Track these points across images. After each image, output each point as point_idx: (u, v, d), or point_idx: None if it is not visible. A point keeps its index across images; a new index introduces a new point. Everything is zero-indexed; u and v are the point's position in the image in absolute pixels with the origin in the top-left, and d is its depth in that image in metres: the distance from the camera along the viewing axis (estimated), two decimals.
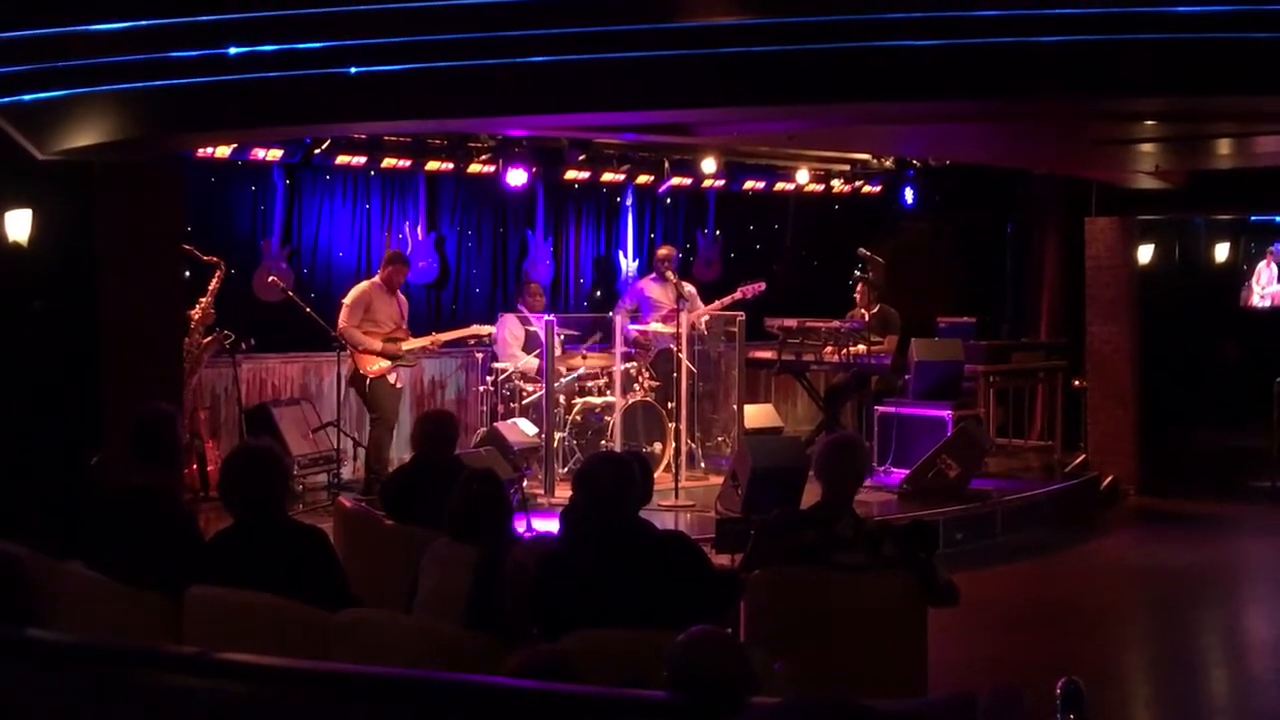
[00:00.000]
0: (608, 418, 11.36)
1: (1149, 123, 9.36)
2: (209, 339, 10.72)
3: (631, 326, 12.14)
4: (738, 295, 12.39)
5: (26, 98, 8.10)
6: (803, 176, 14.14)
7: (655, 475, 8.41)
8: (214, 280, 10.74)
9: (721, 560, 6.66)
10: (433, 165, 12.27)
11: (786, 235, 15.40)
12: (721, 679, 3.32)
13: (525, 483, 10.15)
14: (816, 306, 13.10)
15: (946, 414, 11.48)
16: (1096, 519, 12.14)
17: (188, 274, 10.26)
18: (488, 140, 12.04)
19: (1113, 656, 8.35)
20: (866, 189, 14.79)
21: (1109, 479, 12.86)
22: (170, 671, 3.46)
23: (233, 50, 7.18)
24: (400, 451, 11.48)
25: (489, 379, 11.79)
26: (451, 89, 7.43)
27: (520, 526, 8.25)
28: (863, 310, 12.56)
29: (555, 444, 11.00)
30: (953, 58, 6.66)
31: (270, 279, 11.35)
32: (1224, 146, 10.83)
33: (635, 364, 11.80)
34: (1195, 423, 15.53)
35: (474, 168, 12.35)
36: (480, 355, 12.19)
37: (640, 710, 3.26)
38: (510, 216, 13.44)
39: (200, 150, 10.55)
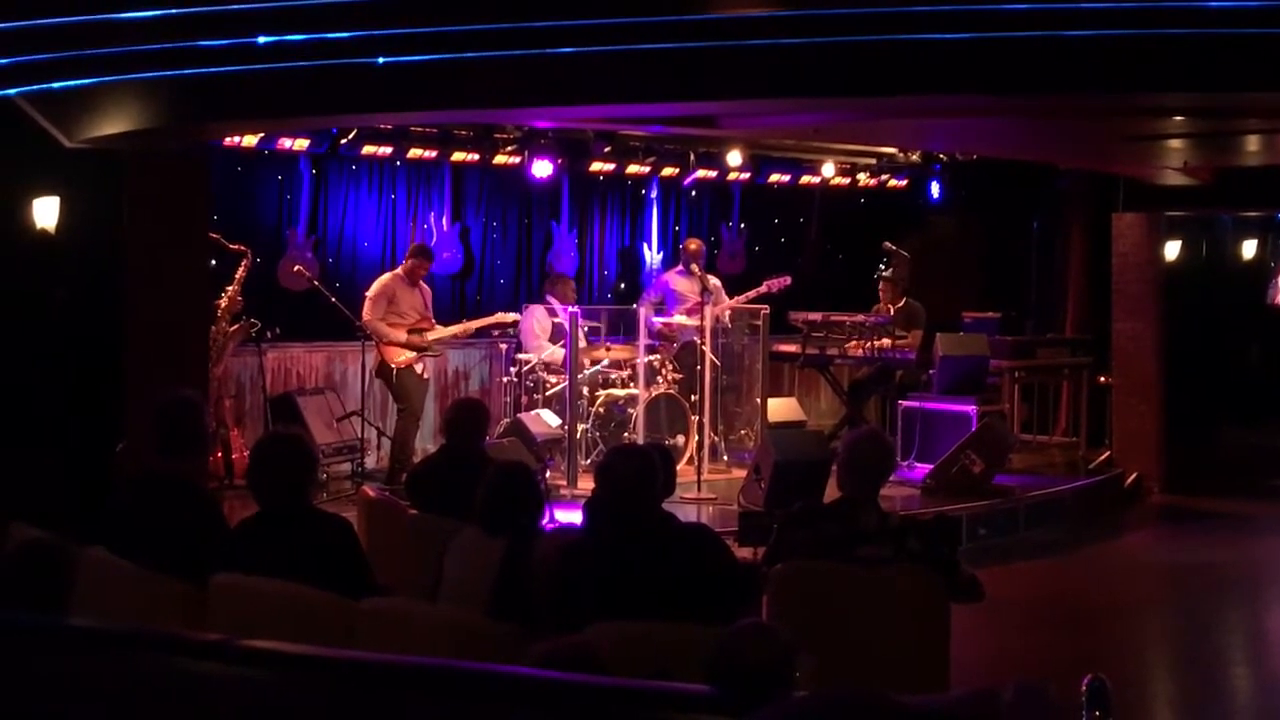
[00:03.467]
0: (631, 410, 11.35)
1: (1178, 119, 9.31)
2: (235, 327, 10.77)
3: (656, 319, 12.13)
4: (763, 289, 12.37)
5: (55, 85, 8.13)
6: (828, 170, 14.10)
7: (678, 468, 8.42)
8: (240, 269, 10.78)
9: (744, 553, 6.66)
10: (458, 156, 12.28)
11: (811, 229, 15.37)
12: (765, 673, 3.31)
13: (548, 474, 10.15)
14: (841, 300, 13.07)
15: (971, 409, 11.46)
16: (1120, 516, 12.10)
17: (214, 262, 10.29)
18: (513, 131, 12.04)
19: (1136, 654, 8.33)
20: (892, 183, 14.75)
21: (1133, 476, 12.81)
22: (194, 658, 3.47)
23: (261, 39, 7.19)
24: (425, 442, 11.52)
25: (513, 370, 11.80)
26: (478, 80, 7.44)
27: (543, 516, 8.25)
28: (887, 305, 12.53)
29: (578, 435, 11.00)
30: (982, 52, 6.63)
31: (295, 268, 11.39)
32: (1252, 143, 10.78)
33: (659, 356, 11.80)
34: (1220, 421, 15.46)
35: (499, 159, 12.36)
36: (504, 346, 12.21)
37: (678, 703, 3.24)
38: (535, 208, 13.45)
39: (227, 139, 10.58)
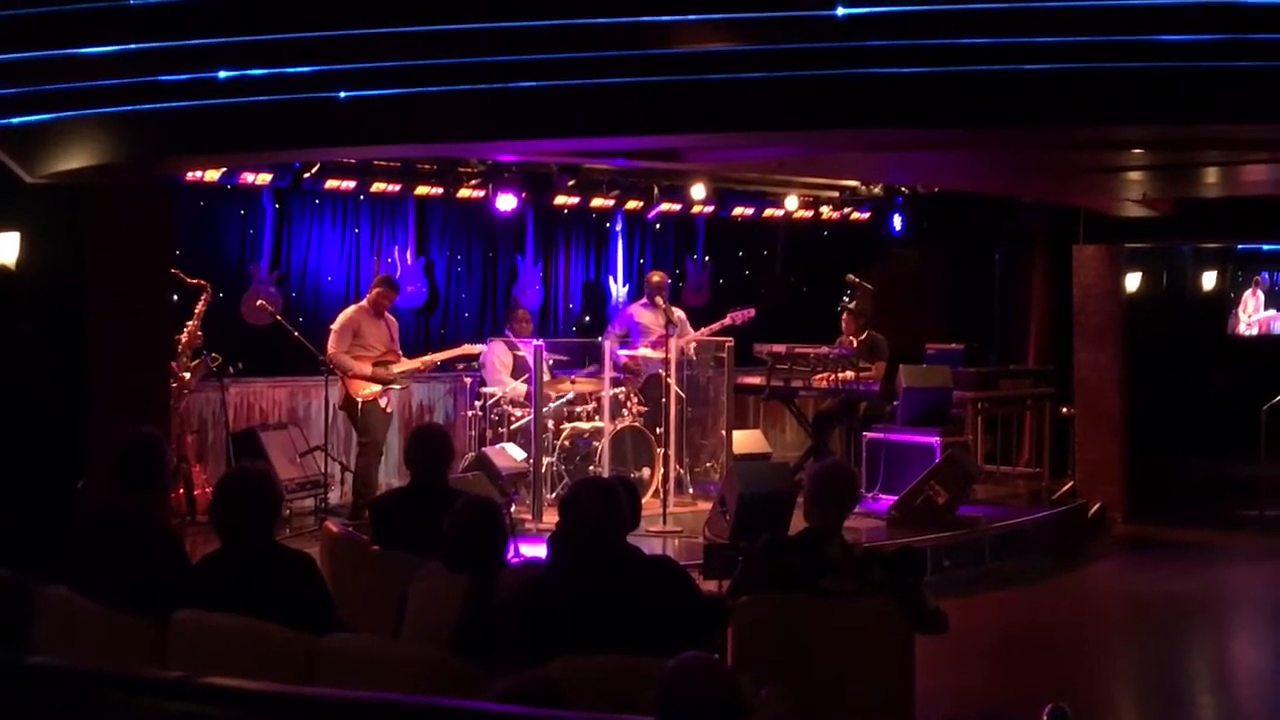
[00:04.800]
0: (596, 443, 11.34)
1: (1136, 151, 9.39)
2: (196, 362, 10.71)
3: (621, 352, 12.14)
4: (728, 321, 12.39)
5: (15, 120, 8.10)
6: (792, 203, 14.17)
7: (643, 501, 8.41)
8: (200, 303, 10.73)
9: (709, 586, 6.65)
10: (422, 190, 12.28)
11: (775, 261, 15.43)
12: (711, 705, 3.31)
13: (513, 508, 10.12)
14: (805, 332, 13.11)
15: (935, 440, 11.48)
16: (1084, 546, 12.13)
17: (175, 297, 10.25)
18: (477, 165, 12.05)
19: (1100, 684, 8.34)
20: (855, 215, 14.83)
21: (1096, 506, 12.85)
22: (154, 696, 3.44)
23: (222, 74, 7.18)
24: (389, 476, 11.47)
25: (477, 404, 11.77)
26: (441, 114, 7.44)
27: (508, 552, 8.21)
28: (850, 337, 12.57)
29: (543, 469, 10.98)
30: (941, 85, 6.68)
31: (259, 303, 11.34)
32: (1211, 175, 10.87)
33: (624, 389, 11.79)
34: (1183, 450, 15.54)
35: (463, 193, 12.36)
36: (469, 380, 12.20)
37: None
38: (499, 241, 13.45)
39: (189, 174, 10.55)
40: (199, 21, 6.95)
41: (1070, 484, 13.14)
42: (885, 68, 6.62)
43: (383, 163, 11.76)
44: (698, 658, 3.47)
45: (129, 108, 7.75)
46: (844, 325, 12.71)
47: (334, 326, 10.98)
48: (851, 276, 12.81)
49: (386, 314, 11.23)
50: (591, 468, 11.13)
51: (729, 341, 11.98)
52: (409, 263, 12.72)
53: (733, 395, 12.08)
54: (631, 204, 13.56)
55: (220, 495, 5.25)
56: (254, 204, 11.90)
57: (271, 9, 6.88)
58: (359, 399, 10.86)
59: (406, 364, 11.20)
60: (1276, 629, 10.07)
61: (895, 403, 11.94)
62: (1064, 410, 13.51)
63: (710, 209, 14.11)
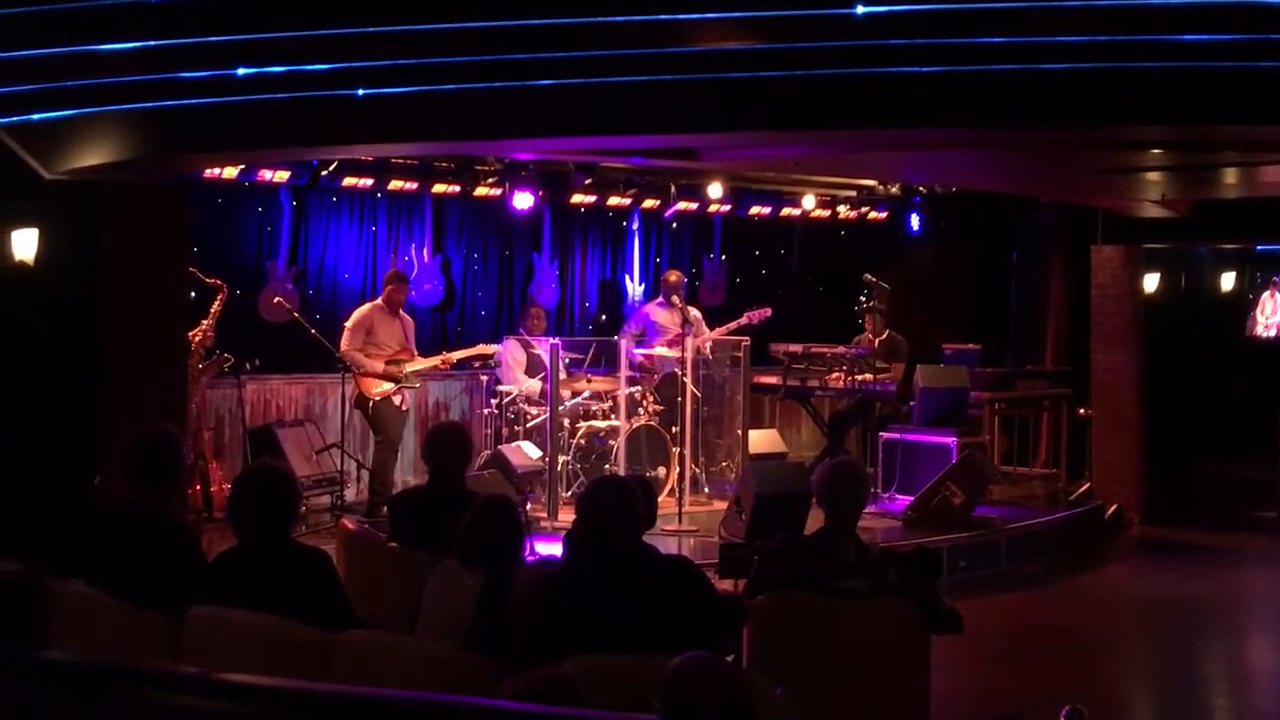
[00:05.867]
0: (612, 441, 11.34)
1: (1155, 151, 9.36)
2: (207, 363, 10.71)
3: (637, 350, 12.14)
4: (744, 321, 12.39)
5: (35, 117, 8.12)
6: (809, 202, 14.14)
7: (659, 500, 8.41)
8: (215, 303, 10.74)
9: (725, 586, 6.65)
10: (439, 188, 12.30)
11: (792, 260, 15.41)
12: (713, 706, 3.28)
13: (529, 506, 10.12)
14: (822, 332, 13.09)
15: (951, 441, 11.46)
16: (1100, 548, 12.10)
17: (193, 294, 10.27)
18: (494, 163, 12.06)
19: (1116, 686, 8.32)
20: (872, 215, 14.81)
21: (1113, 508, 12.82)
22: (170, 691, 3.44)
23: (241, 71, 7.20)
24: (405, 474, 11.49)
25: (493, 402, 11.78)
26: (458, 112, 7.45)
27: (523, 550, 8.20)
28: (870, 336, 12.55)
29: (559, 467, 10.98)
30: (958, 85, 6.67)
31: (276, 300, 11.36)
32: (1230, 176, 10.83)
33: (640, 388, 11.79)
34: (1200, 452, 15.51)
35: (480, 191, 12.38)
36: (485, 378, 12.21)
37: None
38: (516, 239, 13.46)
39: (207, 171, 10.57)
40: (217, 19, 6.96)
41: (1087, 485, 13.11)
42: (905, 67, 6.61)
43: (400, 160, 11.78)
44: (700, 657, 3.44)
45: (147, 104, 7.77)
46: (866, 325, 12.69)
47: (347, 324, 11.00)
48: (869, 276, 12.79)
49: (402, 313, 11.24)
50: (607, 466, 11.13)
51: (745, 341, 11.97)
52: (426, 260, 12.73)
53: (749, 395, 12.07)
54: (648, 203, 13.56)
55: (237, 492, 5.27)
56: (271, 201, 11.93)
57: (290, 6, 6.89)
58: (371, 398, 10.86)
59: (420, 363, 11.20)
60: None
61: (912, 403, 11.93)
62: (1081, 411, 13.48)
63: (727, 208, 14.10)
